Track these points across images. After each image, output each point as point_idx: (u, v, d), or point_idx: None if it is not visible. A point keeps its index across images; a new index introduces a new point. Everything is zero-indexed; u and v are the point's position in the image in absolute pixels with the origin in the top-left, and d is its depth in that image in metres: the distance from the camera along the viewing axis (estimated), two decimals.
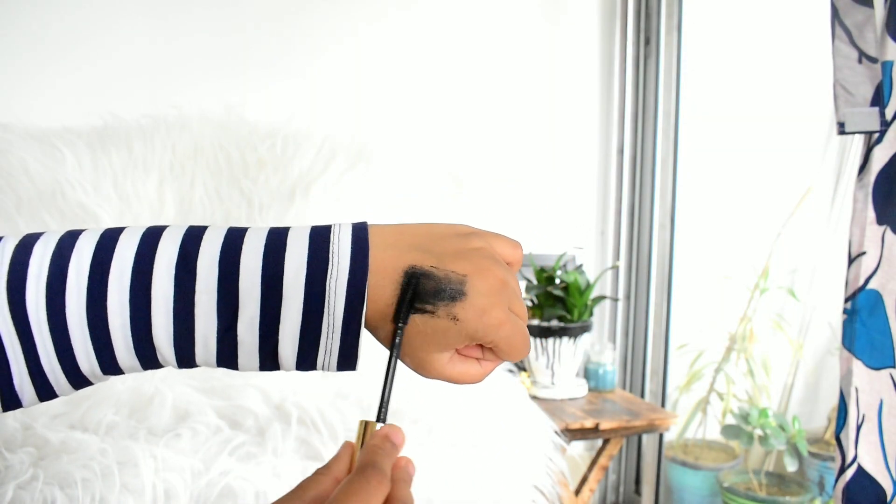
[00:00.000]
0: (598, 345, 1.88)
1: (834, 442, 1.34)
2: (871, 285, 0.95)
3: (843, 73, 0.99)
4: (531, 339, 1.69)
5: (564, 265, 1.91)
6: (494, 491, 0.91)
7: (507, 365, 1.48)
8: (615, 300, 2.06)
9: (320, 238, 0.42)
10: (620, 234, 2.06)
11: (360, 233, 0.43)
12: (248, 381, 0.99)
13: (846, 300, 0.98)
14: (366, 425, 0.41)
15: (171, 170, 1.38)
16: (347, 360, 0.43)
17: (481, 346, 0.44)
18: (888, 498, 0.92)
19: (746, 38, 2.08)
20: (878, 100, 0.95)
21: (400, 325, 0.41)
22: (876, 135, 0.95)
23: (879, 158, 0.94)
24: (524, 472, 1.01)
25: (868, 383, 0.95)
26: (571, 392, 1.71)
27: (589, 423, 1.53)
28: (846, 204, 2.01)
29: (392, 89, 1.84)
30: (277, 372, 0.67)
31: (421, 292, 0.41)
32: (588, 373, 1.82)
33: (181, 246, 0.41)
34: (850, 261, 0.98)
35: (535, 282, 1.74)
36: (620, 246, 2.06)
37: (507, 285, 0.43)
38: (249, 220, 1.32)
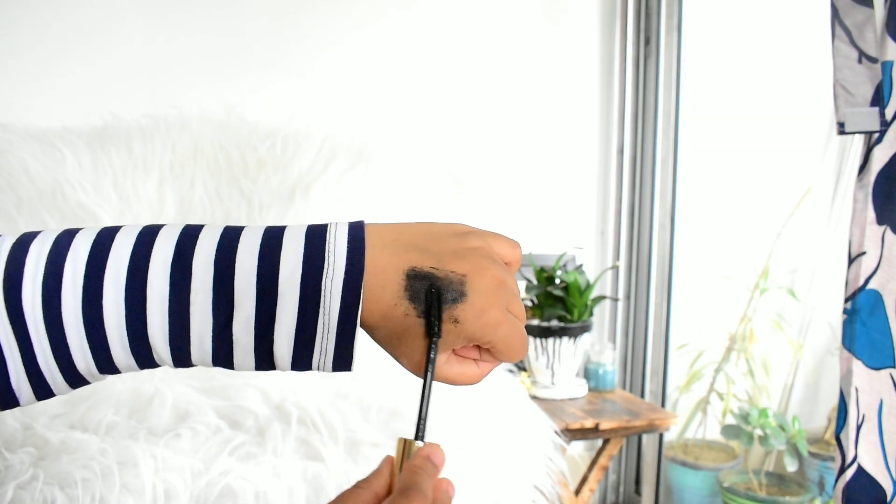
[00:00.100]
0: (598, 345, 1.88)
1: (834, 442, 1.34)
2: (871, 285, 0.95)
3: (843, 73, 0.99)
4: (531, 339, 1.70)
5: (564, 265, 1.91)
6: (494, 491, 0.91)
7: (507, 365, 1.48)
8: (615, 300, 2.06)
9: (316, 237, 0.42)
10: (620, 234, 2.06)
11: (357, 232, 0.42)
12: (248, 381, 0.99)
13: (846, 300, 0.98)
14: (406, 443, 0.40)
15: (171, 170, 1.38)
16: (343, 360, 0.42)
17: (479, 346, 0.44)
18: (888, 498, 0.92)
19: (746, 38, 2.08)
20: (878, 100, 0.95)
21: (434, 339, 0.41)
22: (876, 135, 0.95)
23: (879, 158, 0.94)
24: (524, 472, 1.01)
25: (868, 383, 0.95)
26: (571, 392, 1.71)
27: (589, 423, 1.53)
28: (846, 204, 2.01)
29: (392, 89, 1.84)
30: (276, 372, 0.67)
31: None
32: (588, 373, 1.82)
33: (177, 245, 0.41)
34: (850, 261, 0.98)
35: (535, 282, 1.74)
36: (620, 246, 2.06)
37: (506, 285, 0.42)
38: (249, 220, 1.32)
